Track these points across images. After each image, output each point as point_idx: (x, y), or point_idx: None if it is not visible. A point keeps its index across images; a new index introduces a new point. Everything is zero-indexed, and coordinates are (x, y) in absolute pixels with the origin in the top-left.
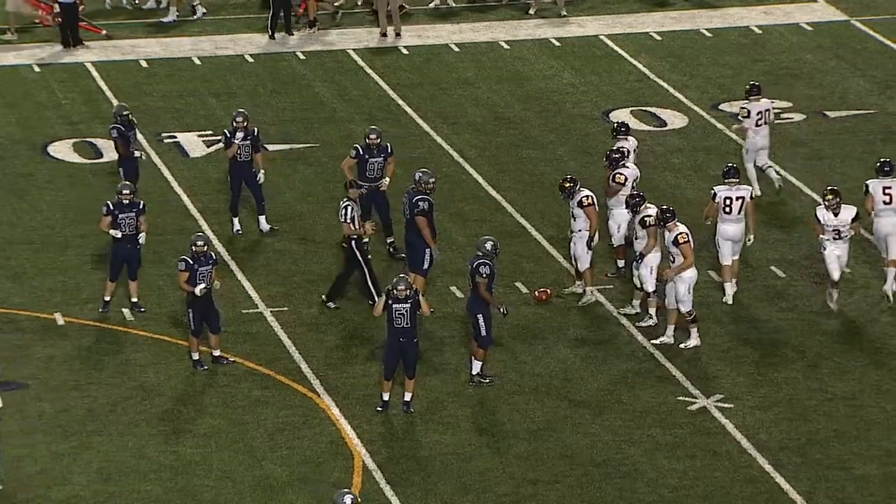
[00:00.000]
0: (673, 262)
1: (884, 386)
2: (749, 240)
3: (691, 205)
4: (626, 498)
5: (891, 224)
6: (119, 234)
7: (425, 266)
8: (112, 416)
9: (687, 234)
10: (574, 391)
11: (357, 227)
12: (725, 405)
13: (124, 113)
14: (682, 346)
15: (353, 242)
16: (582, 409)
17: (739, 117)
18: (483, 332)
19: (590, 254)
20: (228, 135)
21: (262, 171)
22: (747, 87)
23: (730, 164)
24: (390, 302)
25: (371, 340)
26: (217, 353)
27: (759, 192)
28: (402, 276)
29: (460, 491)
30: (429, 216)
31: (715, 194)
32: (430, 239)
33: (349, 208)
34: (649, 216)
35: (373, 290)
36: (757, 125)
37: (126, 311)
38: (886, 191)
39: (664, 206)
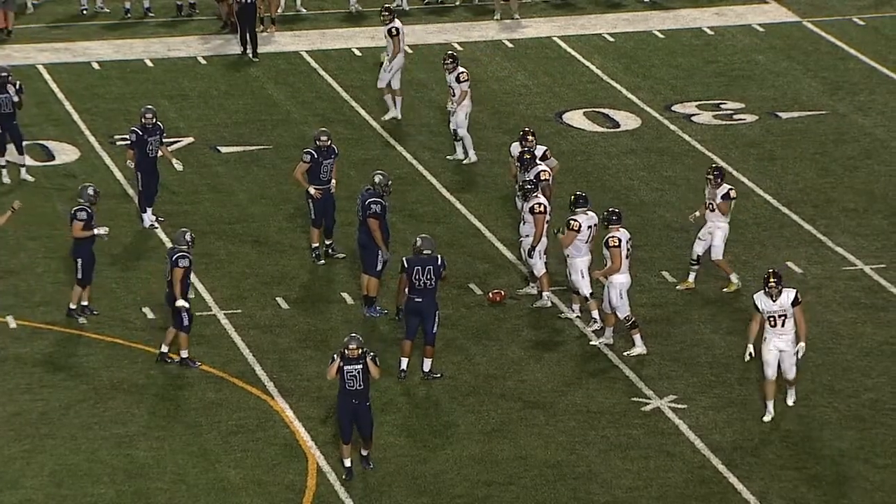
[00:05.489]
0: (605, 264)
1: (836, 386)
2: (798, 351)
3: (644, 205)
4: (581, 499)
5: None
6: (105, 237)
7: (378, 268)
8: (65, 419)
9: (619, 239)
10: (528, 392)
11: None
12: (679, 406)
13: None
14: (626, 353)
15: None
16: (536, 411)
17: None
18: (436, 329)
19: (543, 259)
20: (140, 132)
21: (176, 160)
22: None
23: (771, 270)
24: (342, 363)
25: (325, 343)
26: (167, 349)
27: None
28: (353, 335)
29: (414, 493)
30: (381, 218)
31: (758, 307)
32: (380, 241)
33: None
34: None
35: None
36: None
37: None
38: None
39: (611, 209)
